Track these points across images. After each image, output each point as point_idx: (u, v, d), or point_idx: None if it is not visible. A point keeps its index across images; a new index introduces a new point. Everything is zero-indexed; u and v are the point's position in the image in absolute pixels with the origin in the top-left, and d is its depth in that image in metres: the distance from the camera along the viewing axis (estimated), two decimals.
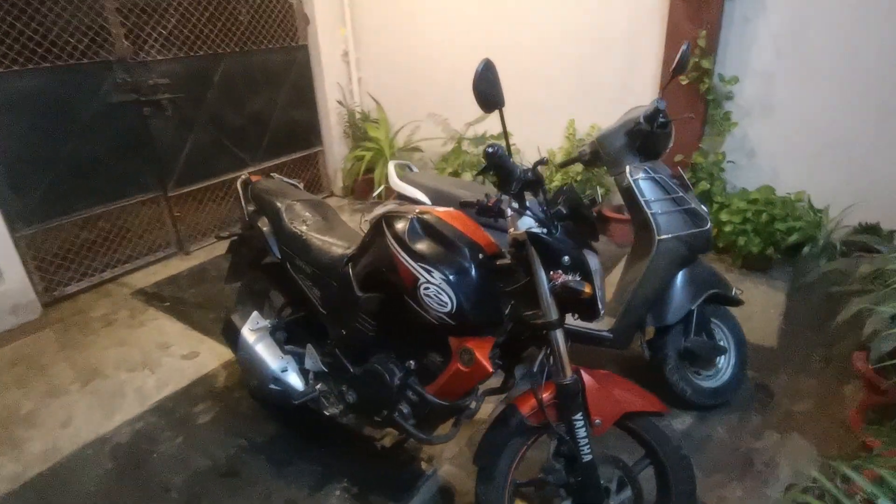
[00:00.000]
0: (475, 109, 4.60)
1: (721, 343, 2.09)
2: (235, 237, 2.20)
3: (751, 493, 1.71)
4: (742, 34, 2.97)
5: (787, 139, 3.03)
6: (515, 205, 1.39)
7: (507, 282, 1.43)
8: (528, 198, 1.41)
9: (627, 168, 1.95)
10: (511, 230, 1.40)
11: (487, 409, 1.63)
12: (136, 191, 3.45)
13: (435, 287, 1.40)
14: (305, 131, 4.46)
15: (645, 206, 1.91)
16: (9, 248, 2.88)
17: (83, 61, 3.07)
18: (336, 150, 4.57)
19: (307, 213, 1.95)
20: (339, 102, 4.45)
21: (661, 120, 1.88)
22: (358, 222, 2.04)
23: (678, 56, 1.88)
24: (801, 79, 2.90)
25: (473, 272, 1.41)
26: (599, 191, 3.30)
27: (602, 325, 2.05)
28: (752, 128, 3.11)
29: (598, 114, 3.50)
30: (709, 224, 1.94)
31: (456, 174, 3.81)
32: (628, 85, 3.36)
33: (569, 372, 1.34)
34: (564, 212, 1.38)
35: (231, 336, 2.03)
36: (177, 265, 3.59)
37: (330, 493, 1.80)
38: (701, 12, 2.92)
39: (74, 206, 3.18)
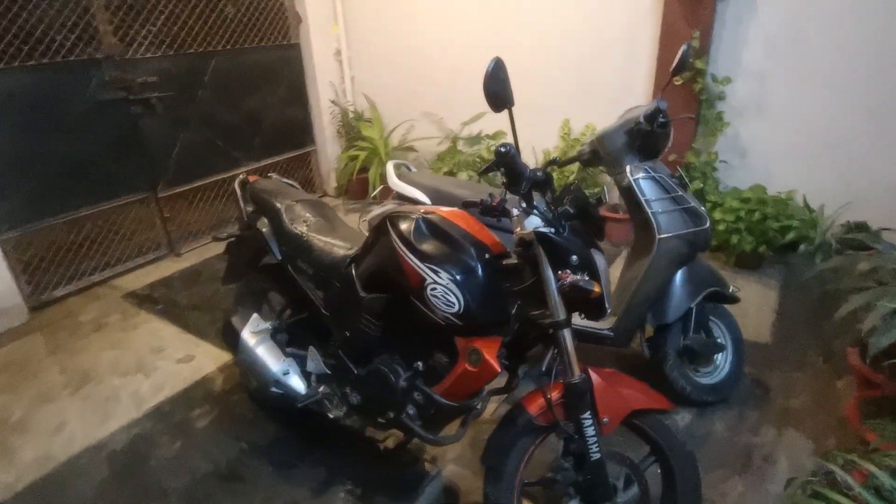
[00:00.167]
0: (470, 109, 4.64)
1: (719, 340, 2.11)
2: (233, 238, 2.17)
3: (751, 487, 1.74)
4: (734, 35, 3.02)
5: (777, 139, 3.09)
6: (523, 204, 1.39)
7: (513, 281, 1.43)
8: (535, 197, 1.42)
9: (628, 167, 1.96)
10: (517, 230, 1.40)
11: (489, 409, 1.65)
12: (125, 191, 3.39)
13: (442, 287, 1.39)
14: (298, 131, 4.42)
15: (646, 206, 1.92)
16: None
17: (70, 59, 3.01)
18: (329, 149, 4.54)
19: (307, 214, 1.93)
20: (333, 102, 4.41)
21: (660, 120, 1.90)
22: (353, 222, 2.03)
23: (678, 56, 1.90)
24: (792, 79, 2.96)
25: (480, 272, 1.40)
26: (596, 190, 3.32)
27: (603, 324, 2.06)
28: (744, 128, 3.16)
29: (592, 114, 3.52)
30: (708, 222, 1.96)
31: (451, 174, 3.80)
32: (623, 85, 3.39)
33: (577, 371, 1.35)
34: (572, 211, 1.39)
35: (231, 339, 2.00)
36: (168, 267, 3.53)
37: (334, 495, 1.79)
38: (694, 13, 2.96)
39: (61, 207, 3.11)
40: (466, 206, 1.51)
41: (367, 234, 1.92)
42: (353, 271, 1.68)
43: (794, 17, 2.85)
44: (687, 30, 2.97)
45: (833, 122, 2.92)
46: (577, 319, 1.45)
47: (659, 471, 1.48)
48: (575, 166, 3.50)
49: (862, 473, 1.39)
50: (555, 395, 1.37)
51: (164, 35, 3.42)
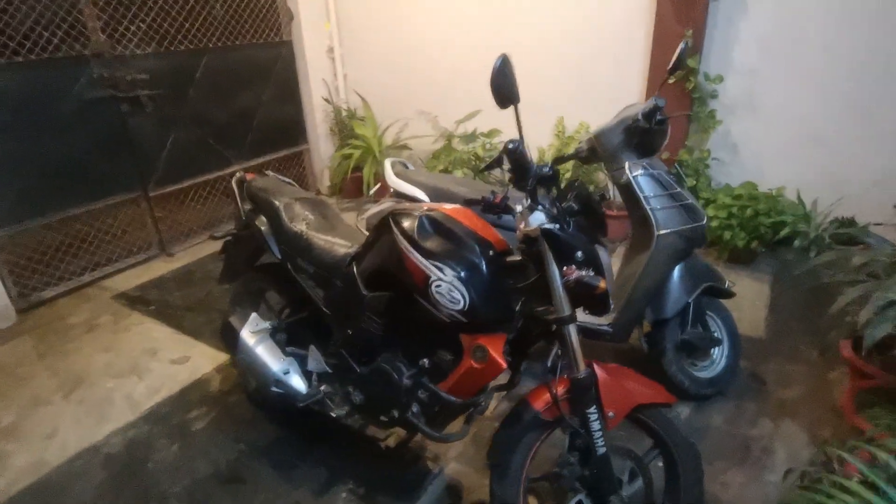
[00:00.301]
0: (465, 107, 4.63)
1: (716, 334, 2.14)
2: (230, 237, 2.14)
3: (751, 478, 1.76)
4: (726, 34, 3.06)
5: (768, 136, 3.14)
6: (526, 201, 1.40)
7: (516, 278, 1.44)
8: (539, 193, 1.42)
9: (626, 164, 1.97)
10: (521, 226, 1.41)
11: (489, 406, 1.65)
12: (115, 191, 3.33)
13: (447, 284, 1.39)
14: (291, 129, 4.38)
15: (644, 202, 1.94)
16: None
17: (58, 56, 2.95)
18: (322, 148, 4.51)
19: (307, 212, 1.91)
20: (326, 100, 4.38)
21: (658, 117, 1.91)
22: (348, 221, 2.02)
23: (676, 55, 1.92)
24: (782, 77, 3.01)
25: (485, 269, 1.41)
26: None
27: (602, 319, 2.07)
28: (735, 125, 3.20)
29: (586, 112, 3.55)
30: (705, 219, 1.99)
31: (447, 172, 3.80)
32: (617, 84, 3.41)
33: (583, 366, 1.36)
34: (576, 207, 1.40)
35: (230, 339, 1.98)
36: (160, 267, 3.48)
37: (336, 494, 1.78)
38: (687, 13, 2.99)
39: (49, 207, 3.05)
40: (468, 203, 1.50)
41: (365, 232, 1.91)
42: (355, 269, 1.67)
43: (784, 16, 2.90)
44: (680, 29, 3.00)
45: (822, 119, 2.97)
46: (577, 315, 1.46)
47: (660, 464, 1.49)
48: (570, 164, 3.52)
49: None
50: (560, 390, 1.38)
51: (153, 32, 3.37)
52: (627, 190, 2.00)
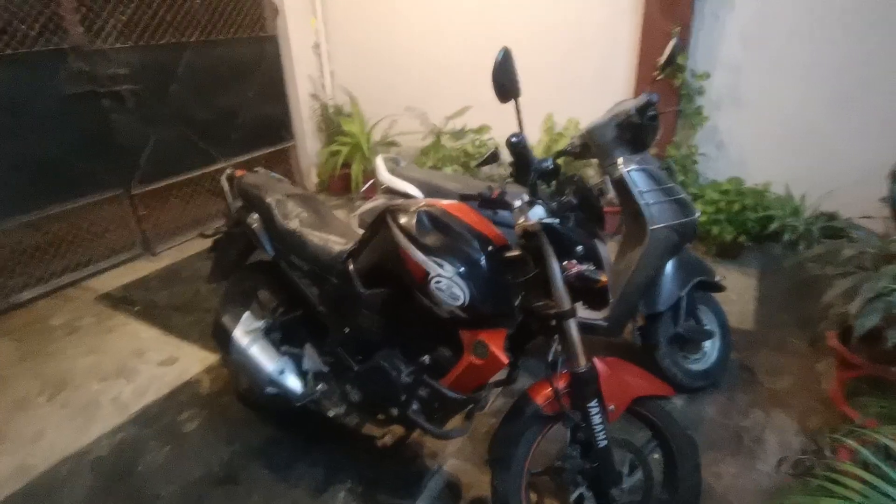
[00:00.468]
0: (454, 103, 4.59)
1: (707, 327, 2.17)
2: (220, 234, 2.10)
3: (744, 467, 1.79)
4: (711, 30, 3.09)
5: (754, 131, 3.19)
6: (525, 196, 1.39)
7: (515, 273, 1.43)
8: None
9: (620, 159, 1.98)
10: (520, 221, 1.40)
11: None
12: (96, 189, 3.24)
13: (447, 280, 1.38)
14: (277, 125, 4.31)
15: (638, 197, 1.95)
16: None
17: (34, 49, 2.85)
18: (309, 144, 4.45)
19: (300, 209, 1.88)
20: (313, 96, 4.32)
21: (650, 113, 1.93)
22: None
23: (668, 51, 1.93)
24: (768, 73, 3.05)
25: (485, 264, 1.40)
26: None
27: (596, 314, 2.09)
28: (722, 121, 3.25)
29: (574, 108, 3.56)
30: (697, 213, 2.01)
31: (436, 168, 3.78)
32: (605, 80, 3.43)
33: (583, 360, 1.36)
34: (574, 202, 1.40)
35: (222, 339, 1.94)
36: (144, 267, 3.40)
37: (335, 493, 1.76)
38: (674, 9, 3.02)
39: (27, 206, 2.95)
40: (464, 199, 1.49)
41: (358, 229, 1.89)
42: (351, 267, 1.65)
43: (769, 12, 2.94)
44: (667, 25, 3.03)
45: (807, 115, 3.03)
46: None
47: (656, 455, 1.51)
48: (560, 160, 3.52)
49: (848, 450, 1.46)
50: (561, 384, 1.38)
51: (133, 25, 3.28)
52: (620, 185, 2.01)
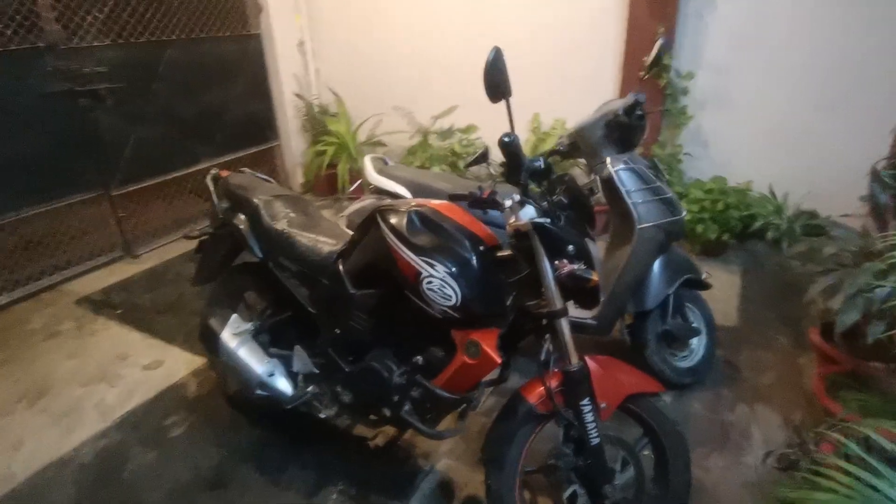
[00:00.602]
0: (441, 102, 4.58)
1: (695, 325, 2.20)
2: (205, 236, 2.07)
3: (731, 461, 1.83)
4: (696, 30, 3.14)
5: (738, 131, 3.24)
6: (515, 196, 1.40)
7: (507, 273, 1.44)
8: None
9: (608, 159, 2.00)
10: (511, 220, 1.41)
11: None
12: (74, 190, 3.16)
13: (438, 280, 1.38)
14: (261, 125, 4.26)
15: (626, 196, 1.97)
16: None
17: (10, 48, 2.77)
18: (294, 144, 4.40)
19: (288, 210, 1.86)
20: (297, 95, 4.28)
21: (638, 112, 1.95)
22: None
23: (654, 51, 1.96)
24: (752, 73, 3.10)
25: (476, 264, 1.40)
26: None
27: (586, 313, 2.10)
28: (706, 120, 3.30)
29: (561, 108, 3.58)
30: (684, 212, 2.04)
31: (423, 168, 3.77)
32: (592, 80, 3.46)
33: (575, 359, 1.37)
34: (565, 201, 1.41)
35: (210, 341, 1.91)
36: (125, 270, 3.33)
37: (327, 496, 1.74)
38: (659, 9, 3.05)
39: (3, 207, 2.86)
40: (454, 198, 1.49)
41: (346, 229, 1.88)
42: (341, 267, 1.64)
43: (753, 12, 2.99)
44: (653, 25, 3.07)
45: (790, 114, 3.09)
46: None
47: (647, 452, 1.53)
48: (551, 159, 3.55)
49: (831, 443, 1.50)
50: (553, 383, 1.39)
51: (111, 23, 3.20)
52: (609, 184, 2.03)
